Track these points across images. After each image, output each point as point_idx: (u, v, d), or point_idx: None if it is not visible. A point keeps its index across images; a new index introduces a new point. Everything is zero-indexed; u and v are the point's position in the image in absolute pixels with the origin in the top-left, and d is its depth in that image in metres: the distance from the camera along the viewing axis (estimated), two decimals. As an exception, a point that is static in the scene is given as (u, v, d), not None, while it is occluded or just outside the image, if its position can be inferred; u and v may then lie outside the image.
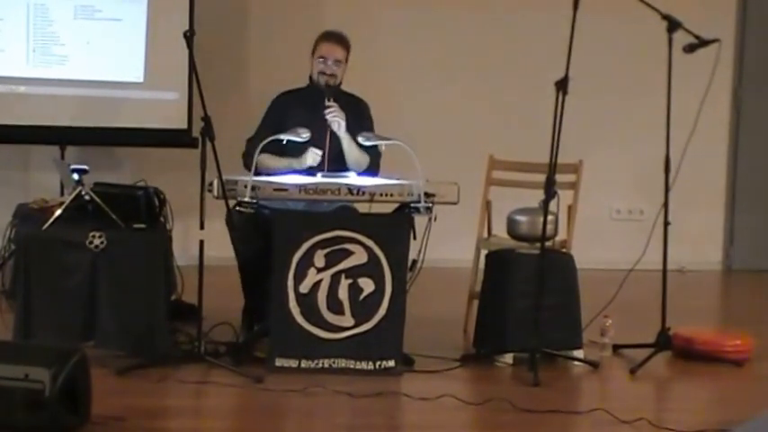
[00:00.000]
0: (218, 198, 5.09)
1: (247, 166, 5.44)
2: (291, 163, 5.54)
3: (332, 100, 5.58)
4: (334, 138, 5.59)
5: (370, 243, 5.14)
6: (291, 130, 5.38)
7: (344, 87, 5.81)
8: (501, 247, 5.73)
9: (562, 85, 5.12)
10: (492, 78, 8.07)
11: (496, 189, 6.15)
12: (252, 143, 5.56)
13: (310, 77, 5.75)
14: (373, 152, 5.63)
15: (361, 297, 5.15)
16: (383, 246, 5.14)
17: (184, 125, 7.07)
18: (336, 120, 5.56)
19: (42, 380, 3.96)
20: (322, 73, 5.67)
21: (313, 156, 5.53)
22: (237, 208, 5.11)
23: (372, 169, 5.67)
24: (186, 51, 5.16)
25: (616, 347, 5.65)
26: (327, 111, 5.55)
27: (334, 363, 5.10)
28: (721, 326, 6.77)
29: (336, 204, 5.41)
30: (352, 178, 5.32)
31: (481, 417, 4.62)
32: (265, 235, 5.19)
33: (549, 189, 5.19)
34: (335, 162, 5.58)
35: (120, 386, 4.77)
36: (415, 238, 5.20)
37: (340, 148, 5.61)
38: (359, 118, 5.70)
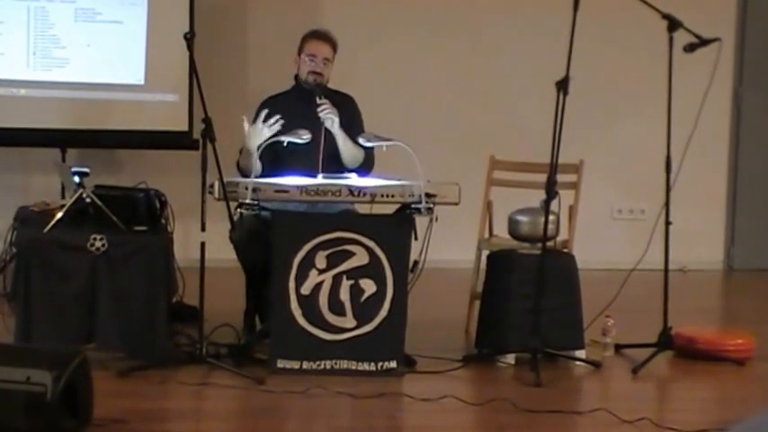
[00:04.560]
0: (219, 200, 5.09)
1: (242, 173, 5.45)
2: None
3: (322, 98, 5.57)
4: (329, 136, 5.59)
5: (371, 244, 5.14)
6: (292, 131, 5.37)
7: (335, 85, 5.79)
8: (502, 248, 5.73)
9: (563, 86, 5.12)
10: (493, 79, 8.08)
11: (497, 189, 6.15)
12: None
13: (296, 77, 5.73)
14: (367, 147, 5.62)
15: (363, 298, 5.15)
16: (384, 247, 5.14)
17: (185, 127, 7.08)
18: (330, 117, 5.54)
19: (44, 383, 3.95)
20: (311, 72, 5.65)
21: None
22: (239, 210, 5.11)
23: (369, 164, 5.68)
24: (186, 53, 5.16)
25: (618, 347, 5.65)
26: (320, 109, 5.53)
27: (335, 364, 5.10)
28: (723, 325, 6.77)
29: (338, 206, 5.41)
30: (353, 179, 5.32)
31: (483, 417, 4.62)
32: (268, 239, 5.21)
33: (550, 189, 5.19)
34: (331, 161, 5.56)
35: (121, 388, 4.77)
36: (416, 238, 5.20)
37: (334, 147, 5.60)
38: (349, 114, 5.70)
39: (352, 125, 5.66)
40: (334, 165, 5.55)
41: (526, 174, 6.00)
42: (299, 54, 5.71)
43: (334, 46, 5.72)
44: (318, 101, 5.54)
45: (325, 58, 5.68)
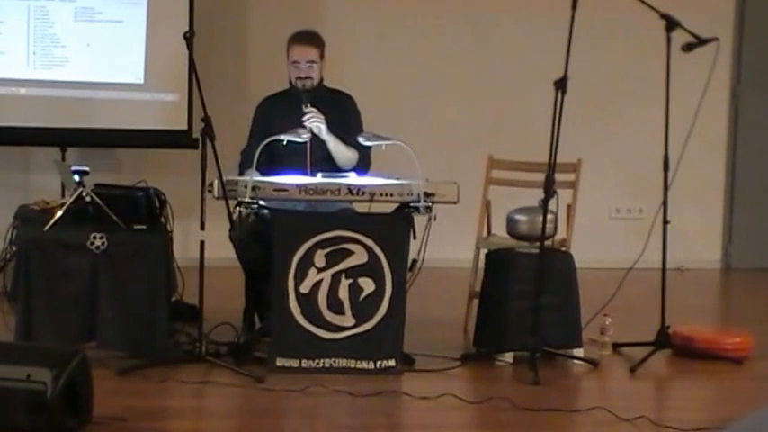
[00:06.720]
0: (218, 199, 5.10)
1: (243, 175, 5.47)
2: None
3: (309, 105, 5.56)
4: (319, 140, 5.59)
5: (370, 243, 5.15)
6: (292, 131, 5.38)
7: (334, 84, 5.80)
8: (500, 247, 5.74)
9: (561, 85, 5.13)
10: (491, 78, 8.09)
11: (496, 188, 6.16)
12: (246, 154, 5.56)
13: (290, 80, 5.75)
14: (362, 146, 5.60)
15: (362, 297, 5.16)
16: (383, 245, 5.15)
17: (185, 126, 7.09)
18: (316, 124, 5.54)
19: (44, 381, 3.97)
20: (298, 78, 5.65)
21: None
22: (238, 209, 5.13)
23: (364, 163, 5.67)
24: (186, 53, 5.17)
25: (616, 346, 5.66)
26: (306, 117, 5.53)
27: (334, 362, 5.11)
28: (720, 324, 6.78)
29: (337, 205, 5.42)
30: (352, 178, 5.33)
31: (481, 416, 4.63)
32: (267, 238, 5.22)
33: (549, 188, 5.20)
34: (322, 161, 5.56)
35: (121, 387, 4.79)
36: (414, 237, 5.21)
37: (326, 150, 5.61)
38: (345, 114, 5.70)
39: (350, 124, 5.66)
40: (327, 165, 5.55)
41: (524, 173, 6.00)
42: (287, 59, 5.70)
43: (318, 45, 5.68)
44: (305, 109, 5.54)
45: (310, 61, 5.64)
